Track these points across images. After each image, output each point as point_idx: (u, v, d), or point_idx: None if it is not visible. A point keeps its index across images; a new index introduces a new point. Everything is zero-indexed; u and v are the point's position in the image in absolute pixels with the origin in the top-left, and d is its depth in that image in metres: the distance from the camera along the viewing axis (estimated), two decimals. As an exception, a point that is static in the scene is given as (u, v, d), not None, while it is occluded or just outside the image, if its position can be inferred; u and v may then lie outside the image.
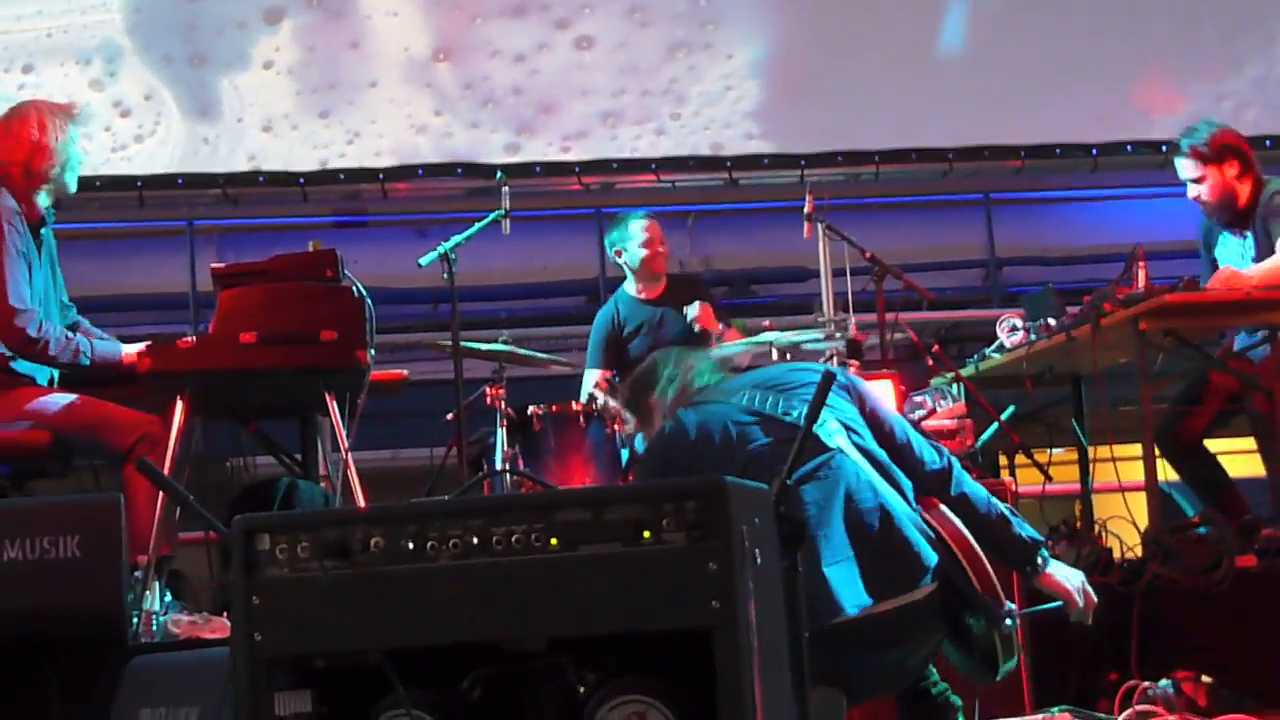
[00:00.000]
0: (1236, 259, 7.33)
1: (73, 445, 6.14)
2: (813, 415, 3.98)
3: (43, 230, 6.37)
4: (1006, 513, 4.92)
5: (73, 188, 6.49)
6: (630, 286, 8.67)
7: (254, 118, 10.39)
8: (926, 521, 4.73)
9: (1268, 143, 10.69)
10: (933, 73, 10.78)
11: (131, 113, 10.22)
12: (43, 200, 6.37)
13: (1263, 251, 7.18)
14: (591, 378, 8.52)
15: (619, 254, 8.61)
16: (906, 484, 4.80)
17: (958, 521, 4.84)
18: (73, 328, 6.40)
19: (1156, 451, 7.06)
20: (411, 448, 9.25)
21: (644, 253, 8.51)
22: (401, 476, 8.95)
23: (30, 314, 6.09)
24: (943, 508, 4.89)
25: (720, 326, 8.36)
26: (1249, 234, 7.29)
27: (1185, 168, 7.35)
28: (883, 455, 4.84)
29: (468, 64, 10.53)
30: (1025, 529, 4.92)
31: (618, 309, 8.67)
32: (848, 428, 4.79)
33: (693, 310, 8.26)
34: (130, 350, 6.26)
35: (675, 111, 10.63)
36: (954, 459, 5.00)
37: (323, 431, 6.96)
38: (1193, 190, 7.36)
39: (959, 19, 10.82)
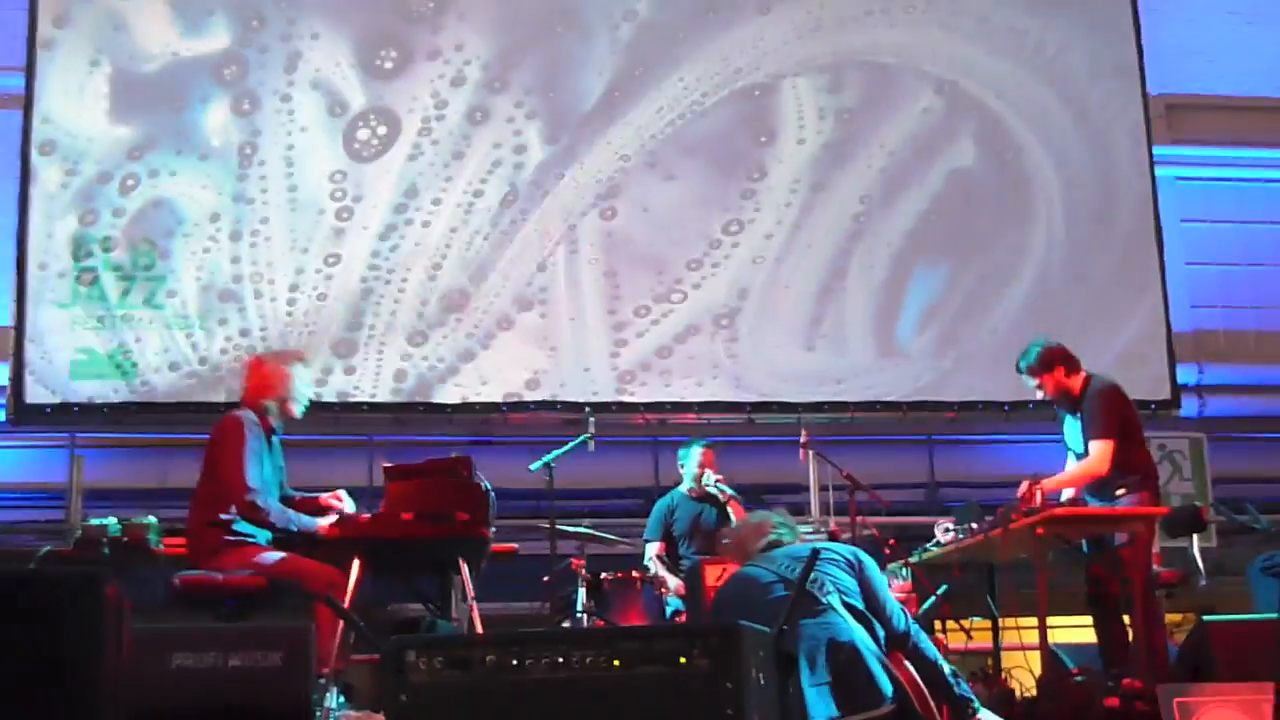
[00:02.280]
0: (1074, 437, 7.38)
1: (280, 587, 6.17)
2: (801, 582, 4.01)
3: (274, 438, 6.51)
4: (949, 674, 5.03)
5: (299, 414, 6.67)
6: (684, 487, 8.75)
7: (420, 367, 10.47)
8: (890, 664, 4.80)
9: (1153, 406, 10.68)
10: (894, 352, 10.85)
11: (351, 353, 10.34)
12: (274, 420, 6.54)
13: (1085, 432, 7.21)
14: (652, 548, 8.63)
15: (682, 468, 8.76)
16: (881, 632, 4.88)
17: (912, 669, 4.93)
18: (286, 501, 6.47)
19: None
20: (519, 601, 9.17)
21: (696, 469, 8.60)
22: (510, 621, 8.86)
23: (258, 492, 6.20)
24: (905, 661, 4.96)
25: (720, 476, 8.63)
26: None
27: (1028, 381, 7.45)
28: (864, 610, 4.91)
29: (568, 329, 10.60)
30: (963, 687, 5.04)
31: (674, 500, 8.76)
32: (840, 590, 4.86)
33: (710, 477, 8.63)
34: (323, 523, 6.33)
35: (714, 371, 10.67)
36: (915, 626, 5.13)
37: (456, 586, 6.92)
38: (1038, 394, 7.45)
39: (912, 320, 10.90)
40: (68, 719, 3.09)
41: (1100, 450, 7.10)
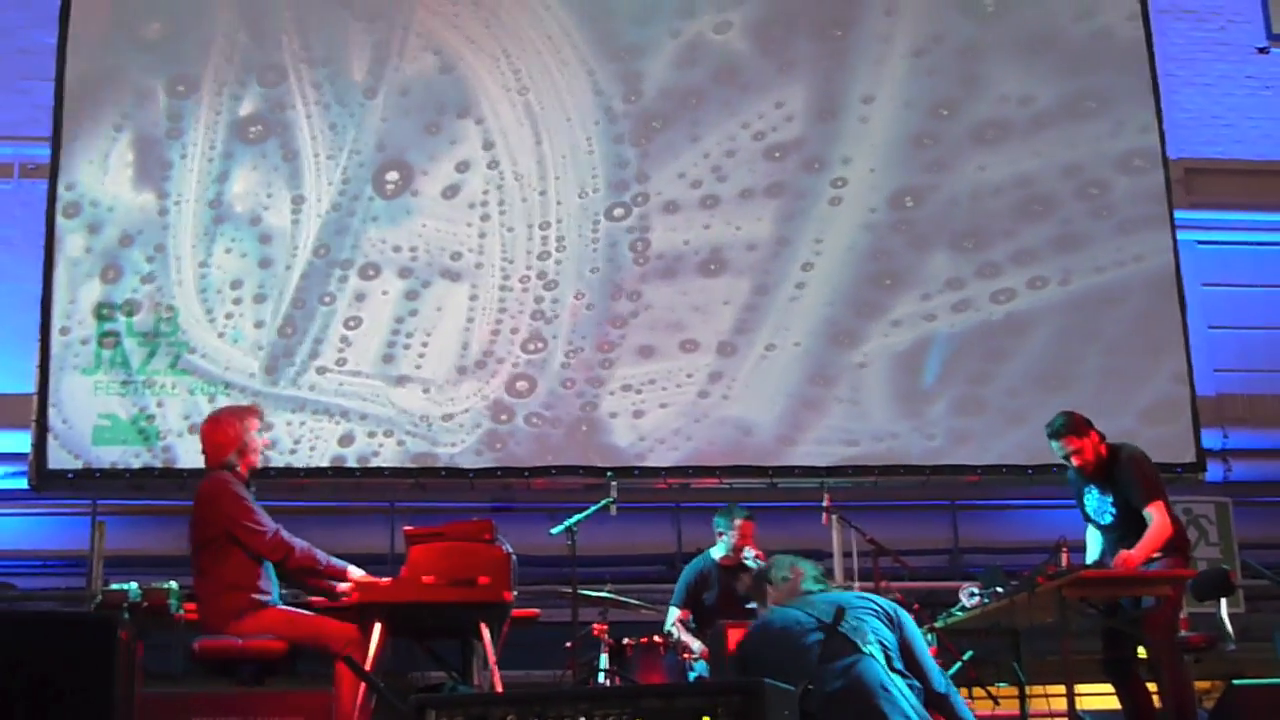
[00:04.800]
0: (1096, 506, 7.28)
1: (300, 651, 6.15)
2: (832, 627, 3.96)
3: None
4: None
5: (258, 464, 6.70)
6: (716, 553, 8.60)
7: (441, 432, 10.44)
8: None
9: (1179, 469, 10.66)
10: (916, 415, 10.76)
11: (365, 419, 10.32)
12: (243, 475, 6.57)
13: (1119, 504, 7.10)
14: (674, 613, 8.47)
15: (720, 535, 8.57)
16: (919, 687, 4.87)
17: None
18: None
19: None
20: (541, 669, 9.09)
21: (735, 540, 8.45)
22: (532, 689, 8.79)
23: (275, 529, 6.22)
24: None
25: (759, 551, 8.33)
26: (1109, 492, 7.20)
27: (1065, 445, 7.32)
28: (900, 665, 4.87)
29: (588, 393, 10.57)
30: None
31: (705, 566, 8.62)
32: (882, 644, 4.84)
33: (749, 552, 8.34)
34: (355, 570, 6.35)
35: (736, 436, 10.61)
36: (953, 688, 5.13)
37: (477, 652, 6.85)
38: (1075, 460, 7.30)
39: (932, 382, 10.83)
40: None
41: (1160, 512, 7.02)
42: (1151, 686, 7.18)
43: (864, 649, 4.72)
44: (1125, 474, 7.16)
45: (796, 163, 11.09)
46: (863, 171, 11.12)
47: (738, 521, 8.56)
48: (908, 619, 5.11)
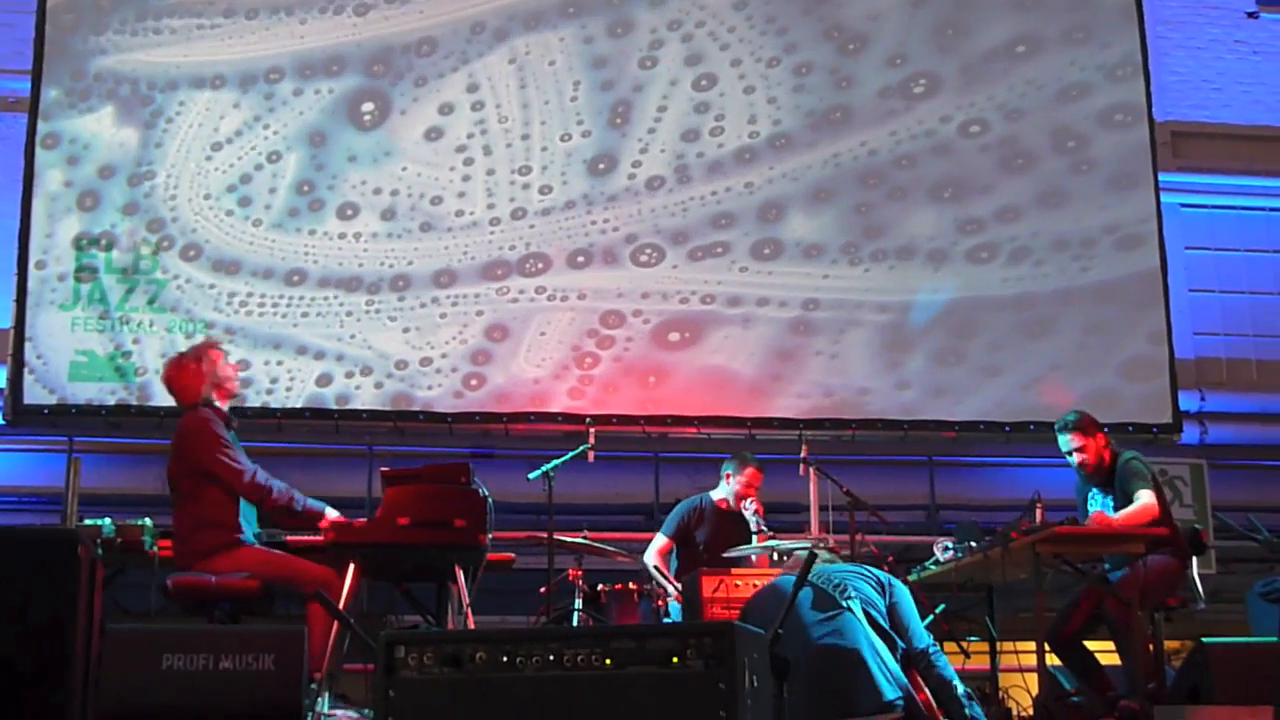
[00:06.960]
0: (1099, 509, 7.28)
1: (274, 590, 6.16)
2: (798, 583, 3.98)
3: (231, 432, 6.52)
4: (960, 694, 5.09)
5: (238, 390, 6.99)
6: (716, 494, 8.58)
7: (420, 375, 10.42)
8: (909, 679, 4.90)
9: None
10: (894, 368, 10.78)
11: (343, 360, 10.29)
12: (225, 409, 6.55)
13: (1120, 505, 7.15)
14: (658, 542, 8.48)
15: (728, 477, 8.53)
16: (901, 645, 4.95)
17: (925, 687, 5.09)
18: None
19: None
20: (515, 615, 9.11)
21: (740, 488, 8.41)
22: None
23: (253, 470, 6.21)
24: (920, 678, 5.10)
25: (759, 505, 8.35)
26: (1110, 494, 7.24)
27: (1069, 441, 7.34)
28: (886, 625, 5.05)
29: (569, 350, 10.56)
30: (974, 709, 5.09)
31: (702, 504, 8.60)
32: (864, 603, 4.88)
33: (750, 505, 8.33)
34: (331, 513, 6.32)
35: (716, 386, 10.63)
36: (936, 647, 5.21)
37: (452, 596, 6.86)
38: (1076, 457, 7.32)
39: (914, 335, 10.83)
40: (38, 682, 3.05)
41: (1151, 496, 7.03)
42: (1105, 645, 7.26)
43: (843, 604, 4.78)
44: (1125, 471, 7.19)
45: (784, 114, 11.05)
46: (847, 125, 11.09)
47: (749, 469, 8.53)
48: (900, 588, 5.33)
